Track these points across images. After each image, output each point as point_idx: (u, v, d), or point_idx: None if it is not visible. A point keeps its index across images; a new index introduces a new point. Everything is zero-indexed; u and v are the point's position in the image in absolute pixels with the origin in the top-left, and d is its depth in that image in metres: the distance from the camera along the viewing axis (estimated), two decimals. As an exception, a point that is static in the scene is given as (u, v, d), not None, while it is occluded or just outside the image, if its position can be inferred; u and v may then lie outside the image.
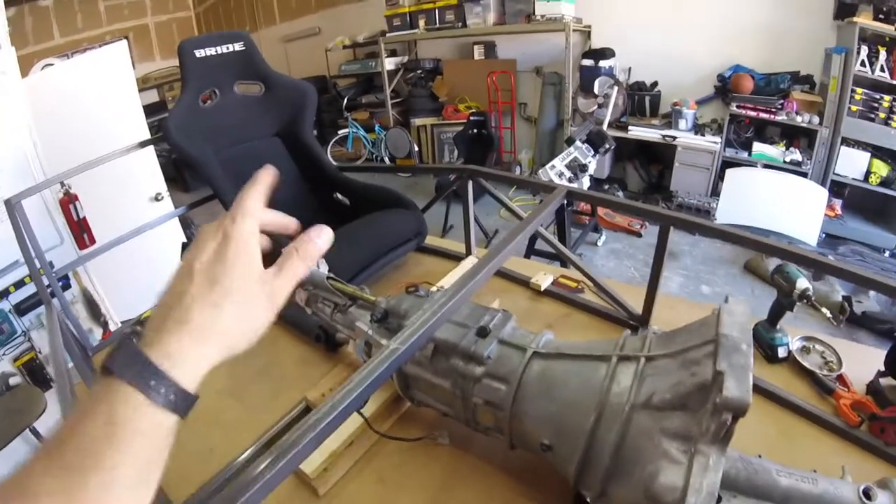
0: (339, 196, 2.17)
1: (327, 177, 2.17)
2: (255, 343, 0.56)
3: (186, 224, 4.32)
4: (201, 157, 1.82)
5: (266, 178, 0.60)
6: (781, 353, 1.43)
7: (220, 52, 1.93)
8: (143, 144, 2.02)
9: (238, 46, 1.98)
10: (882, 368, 1.33)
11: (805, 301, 1.37)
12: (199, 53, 1.88)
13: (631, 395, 0.75)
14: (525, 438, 0.92)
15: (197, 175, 1.92)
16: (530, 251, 3.44)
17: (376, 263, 1.74)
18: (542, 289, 1.66)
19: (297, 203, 2.15)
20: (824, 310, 1.35)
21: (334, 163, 2.21)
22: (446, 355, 0.97)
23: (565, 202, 3.29)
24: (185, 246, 2.06)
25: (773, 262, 4.19)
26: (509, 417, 0.90)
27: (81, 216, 3.03)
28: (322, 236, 0.62)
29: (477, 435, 1.04)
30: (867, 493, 0.73)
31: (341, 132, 7.16)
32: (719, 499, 0.72)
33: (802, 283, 1.35)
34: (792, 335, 1.47)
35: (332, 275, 1.32)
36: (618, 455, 0.75)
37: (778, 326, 1.45)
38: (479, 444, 1.13)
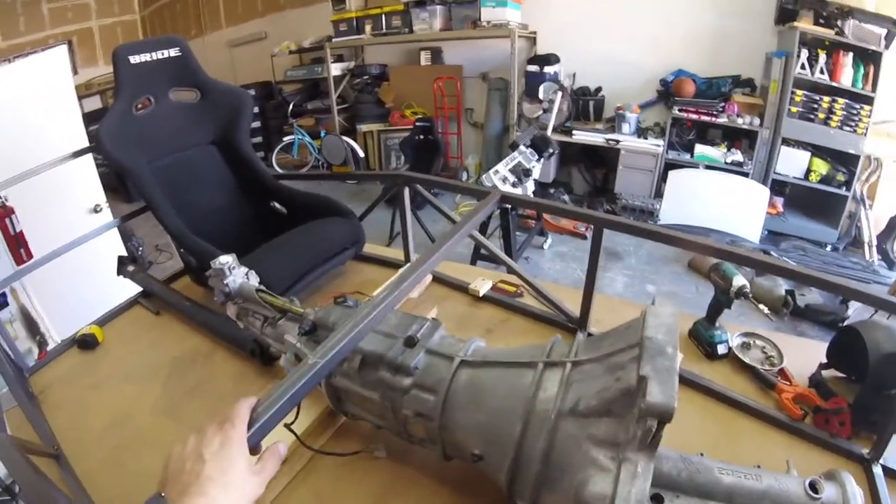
0: (277, 205, 2.10)
1: (264, 185, 2.11)
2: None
3: (127, 236, 4.16)
4: (133, 167, 1.74)
5: (253, 399, 0.72)
6: (721, 349, 1.44)
7: (155, 58, 1.86)
8: (77, 154, 1.95)
9: (174, 52, 1.91)
10: (824, 361, 1.36)
11: (743, 298, 1.37)
12: (134, 59, 1.80)
13: (557, 401, 0.73)
14: (457, 448, 0.89)
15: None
16: (476, 257, 3.42)
17: (312, 274, 1.70)
18: (481, 294, 1.65)
19: (232, 212, 2.09)
20: (762, 306, 1.36)
21: (278, 169, 2.15)
22: (374, 367, 0.93)
23: (509, 207, 3.31)
24: (121, 260, 1.97)
25: (714, 260, 4.27)
26: (440, 428, 0.87)
27: (18, 230, 2.87)
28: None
29: (414, 447, 1.01)
30: (813, 487, 0.73)
31: (287, 139, 7.04)
32: (661, 500, 0.70)
33: (739, 280, 1.36)
34: (734, 332, 1.48)
35: (262, 287, 1.28)
36: (547, 463, 0.72)
37: (717, 324, 1.46)
38: (416, 456, 1.10)
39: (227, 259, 1.30)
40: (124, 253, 2.49)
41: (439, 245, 1.04)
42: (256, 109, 7.60)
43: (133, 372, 1.52)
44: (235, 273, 1.31)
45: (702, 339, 1.47)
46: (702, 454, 0.78)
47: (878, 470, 1.08)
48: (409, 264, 0.99)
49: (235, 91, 2.14)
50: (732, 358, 1.43)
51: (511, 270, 1.52)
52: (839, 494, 0.73)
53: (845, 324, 3.39)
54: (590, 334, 1.41)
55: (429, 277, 1.72)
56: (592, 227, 1.27)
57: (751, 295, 1.38)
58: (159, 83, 1.92)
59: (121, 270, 1.95)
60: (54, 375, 1.54)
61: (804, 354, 1.41)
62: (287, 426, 0.97)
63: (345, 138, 6.52)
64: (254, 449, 0.69)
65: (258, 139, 7.75)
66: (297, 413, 0.95)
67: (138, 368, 1.53)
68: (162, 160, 1.91)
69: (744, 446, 1.16)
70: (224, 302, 1.33)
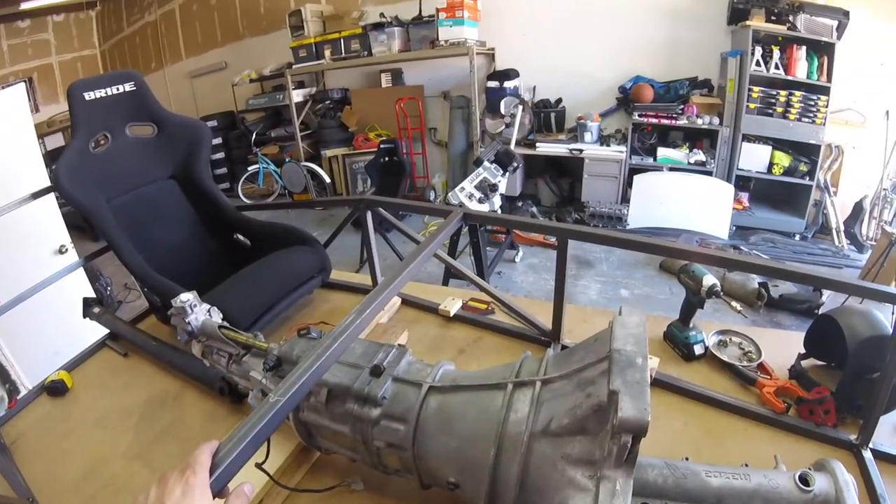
0: (240, 237, 2.06)
1: (226, 218, 2.07)
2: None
3: (94, 276, 4.05)
4: (92, 206, 1.69)
5: (215, 443, 0.69)
6: (698, 350, 1.43)
7: (110, 93, 1.81)
8: (36, 195, 1.88)
9: (129, 87, 1.87)
10: (802, 351, 1.36)
11: (715, 297, 1.37)
12: (89, 96, 1.76)
13: (529, 423, 0.71)
14: (433, 477, 0.86)
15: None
16: (448, 276, 3.40)
17: (278, 306, 1.65)
18: (452, 314, 1.62)
19: (196, 247, 2.05)
20: (734, 304, 1.36)
21: (245, 200, 2.11)
22: (341, 399, 0.90)
23: (478, 223, 3.30)
24: (86, 302, 1.91)
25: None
26: (413, 457, 0.84)
27: (-19, 275, 2.77)
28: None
29: (391, 477, 0.98)
30: (804, 480, 0.71)
31: (252, 168, 6.95)
32: None
33: (709, 279, 1.36)
34: (709, 330, 1.48)
35: (225, 323, 1.24)
36: (523, 487, 0.70)
37: (692, 324, 1.45)
38: (394, 487, 1.07)
39: (187, 297, 1.26)
40: (92, 294, 2.42)
41: (402, 268, 1.01)
42: (220, 140, 7.56)
43: (104, 417, 1.47)
44: (197, 310, 1.27)
45: (677, 341, 1.46)
46: (687, 458, 0.77)
47: (867, 454, 1.08)
48: (371, 291, 0.95)
49: (193, 124, 2.10)
50: (710, 357, 1.43)
51: (481, 287, 1.49)
52: (831, 484, 0.72)
53: (820, 311, 3.52)
54: (563, 347, 1.39)
55: (397, 301, 1.69)
56: (558, 239, 1.26)
57: (722, 293, 1.37)
58: (115, 119, 1.87)
59: (86, 313, 1.89)
60: (25, 424, 1.49)
61: (782, 346, 1.41)
62: (258, 466, 0.93)
63: (308, 164, 6.48)
64: (219, 493, 0.66)
65: (223, 170, 7.67)
66: (268, 451, 0.91)
67: (109, 413, 1.48)
68: (121, 198, 1.87)
69: (729, 446, 1.15)
70: (188, 341, 1.29)
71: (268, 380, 1.01)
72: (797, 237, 5.10)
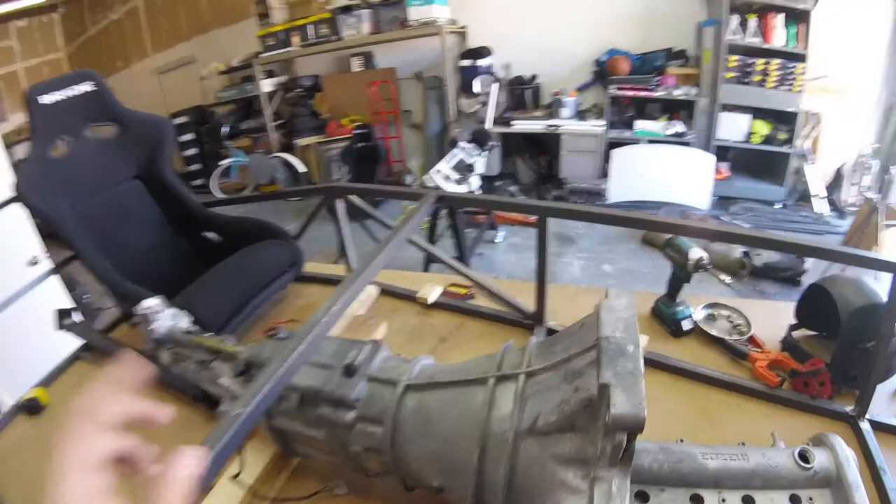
0: (210, 234, 1.99)
1: (193, 215, 1.99)
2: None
3: (71, 285, 3.94)
4: (55, 214, 1.61)
5: (124, 368, 0.49)
6: (686, 325, 1.39)
7: (68, 95, 1.73)
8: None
9: (87, 87, 1.78)
10: (793, 322, 1.32)
11: (702, 270, 1.32)
12: (46, 100, 1.67)
13: (514, 420, 0.65)
14: (417, 479, 0.80)
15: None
16: (429, 262, 3.33)
17: (249, 304, 1.58)
18: (430, 302, 1.56)
19: (165, 248, 1.97)
20: (722, 276, 1.32)
21: (219, 195, 2.03)
22: (314, 403, 0.84)
23: (454, 205, 3.24)
24: (60, 313, 1.83)
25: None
26: (393, 461, 0.78)
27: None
28: (185, 467, 0.47)
29: (376, 479, 0.92)
30: (803, 456, 0.68)
31: (224, 162, 6.80)
32: (647, 497, 0.64)
33: (695, 252, 1.31)
34: (697, 305, 1.44)
35: (192, 328, 1.17)
36: (511, 490, 0.65)
37: (678, 299, 1.41)
38: (379, 489, 1.01)
39: (151, 302, 1.19)
40: (72, 303, 2.34)
41: (373, 257, 0.95)
42: (191, 136, 7.40)
43: None
44: (162, 317, 1.20)
45: (665, 317, 1.42)
46: (682, 440, 0.72)
47: (865, 425, 1.06)
48: (340, 284, 0.89)
49: (154, 120, 2.01)
50: (699, 332, 1.39)
51: (459, 272, 1.43)
52: (831, 459, 0.68)
53: (803, 278, 3.53)
54: (548, 330, 1.34)
55: (375, 291, 1.63)
56: (538, 217, 1.20)
57: (709, 265, 1.33)
58: (75, 121, 1.79)
59: (60, 324, 1.82)
60: (5, 447, 1.41)
61: (771, 318, 1.38)
62: (233, 479, 0.87)
63: (281, 154, 6.36)
64: None
65: (196, 166, 7.50)
66: (242, 463, 0.86)
67: None
68: (87, 202, 1.78)
69: (724, 424, 1.12)
70: (155, 349, 1.22)
71: (237, 386, 0.94)
72: (778, 205, 5.11)
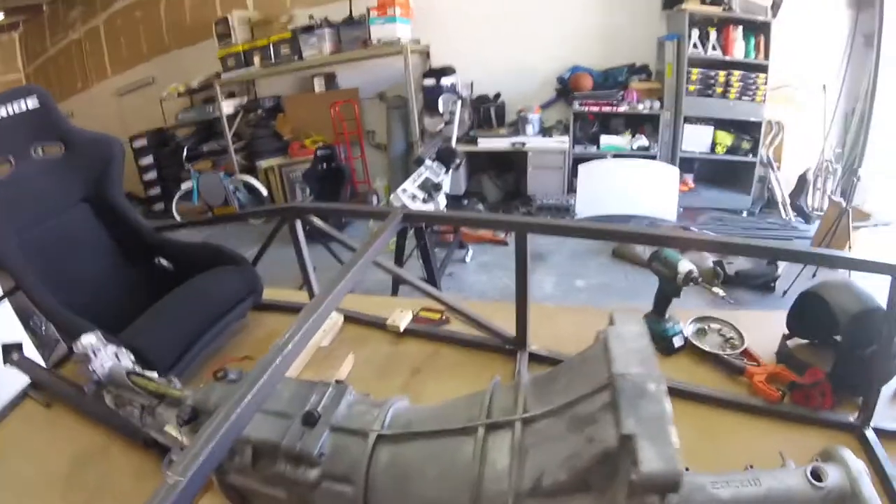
0: (163, 261, 1.85)
1: (144, 241, 1.86)
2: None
3: (26, 316, 3.71)
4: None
5: None
6: (677, 342, 1.32)
7: (11, 112, 1.60)
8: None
9: (31, 103, 1.66)
10: (784, 331, 1.29)
11: (692, 283, 1.24)
12: None
13: (512, 479, 0.54)
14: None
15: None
16: (397, 285, 3.21)
17: (203, 338, 1.44)
18: (402, 329, 1.43)
19: (113, 278, 1.83)
20: (716, 289, 1.25)
21: (178, 219, 1.89)
22: (271, 458, 0.71)
23: (423, 225, 3.14)
24: (5, 348, 1.68)
25: (640, 248, 4.27)
26: (368, 524, 0.66)
27: None
28: None
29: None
30: (816, 475, 0.62)
31: (185, 185, 6.57)
32: None
33: (685, 265, 1.23)
34: (684, 319, 1.37)
35: (134, 368, 1.04)
36: (511, 563, 0.53)
37: (667, 315, 1.33)
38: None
39: (90, 339, 1.06)
40: (24, 335, 2.18)
41: (336, 282, 0.84)
42: (151, 160, 7.21)
43: (29, 484, 1.27)
44: (102, 355, 1.06)
45: (654, 335, 1.31)
46: (687, 469, 0.62)
47: (870, 434, 1.02)
48: (299, 314, 0.77)
49: (103, 139, 1.88)
50: (690, 348, 1.31)
51: (432, 296, 1.32)
52: (843, 474, 0.62)
53: (776, 284, 3.51)
54: (531, 354, 1.23)
55: (339, 319, 1.50)
56: (514, 233, 1.10)
57: (700, 278, 1.25)
58: (18, 140, 1.66)
59: (6, 359, 1.66)
60: None
61: (762, 328, 1.33)
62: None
63: (243, 177, 6.20)
64: None
65: (156, 191, 7.31)
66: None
67: (34, 478, 1.28)
68: (31, 228, 1.65)
69: (727, 445, 1.05)
70: (96, 392, 1.09)
71: (184, 435, 0.82)
72: (745, 214, 5.17)
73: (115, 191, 1.88)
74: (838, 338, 1.19)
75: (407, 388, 1.18)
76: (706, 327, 1.37)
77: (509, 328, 1.27)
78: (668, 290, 1.29)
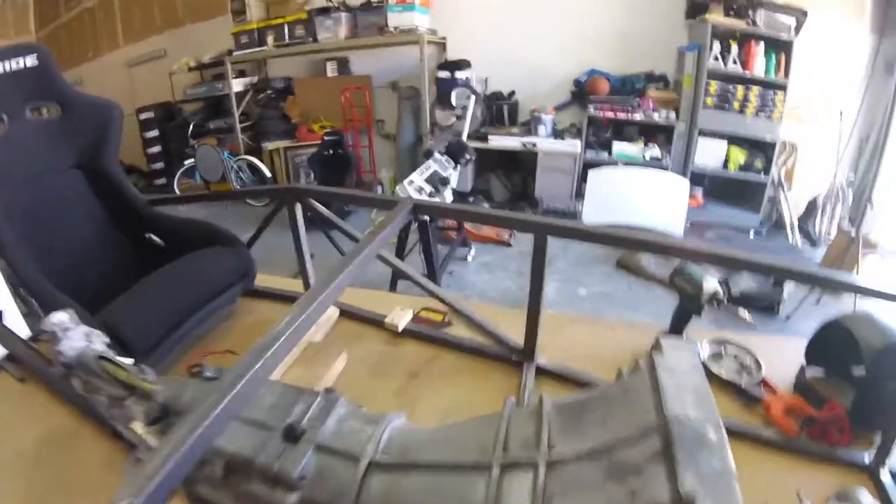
0: (153, 237, 1.76)
1: (137, 214, 1.78)
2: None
3: (16, 286, 3.61)
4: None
5: None
6: None
7: (7, 69, 1.53)
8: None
9: (30, 61, 1.58)
10: (802, 361, 1.22)
11: (716, 304, 1.16)
12: None
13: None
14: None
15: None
16: (396, 280, 3.12)
17: (188, 322, 1.34)
18: (401, 329, 1.34)
19: (101, 250, 1.74)
20: (742, 311, 1.17)
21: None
22: (245, 473, 0.62)
23: (428, 219, 3.05)
24: None
25: (644, 257, 4.19)
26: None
27: None
28: None
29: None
30: None
31: (188, 162, 6.45)
32: None
33: (710, 284, 1.15)
34: (698, 339, 1.28)
35: (107, 353, 0.95)
36: None
37: (684, 335, 1.24)
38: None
39: (60, 317, 0.98)
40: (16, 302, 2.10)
41: (335, 274, 0.75)
42: (156, 133, 7.11)
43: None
44: (72, 335, 0.98)
45: (667, 356, 1.25)
46: None
47: (885, 478, 0.94)
48: (294, 305, 0.68)
49: (101, 104, 1.80)
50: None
51: (435, 295, 1.23)
52: None
53: (780, 306, 3.43)
54: (538, 367, 1.14)
55: (335, 313, 1.40)
56: (533, 235, 1.01)
57: (726, 298, 1.17)
58: (13, 99, 1.58)
59: None
60: None
61: (779, 355, 1.26)
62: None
63: (248, 157, 6.11)
64: None
65: (160, 164, 7.22)
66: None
67: (4, 457, 1.22)
68: (18, 191, 1.56)
69: (744, 482, 0.94)
70: (65, 375, 1.00)
71: (152, 435, 0.73)
72: (752, 233, 5.08)
73: (111, 158, 1.80)
74: (859, 371, 1.11)
75: (402, 393, 1.09)
76: (722, 350, 1.29)
77: (515, 336, 1.18)
78: (690, 308, 1.20)
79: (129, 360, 0.98)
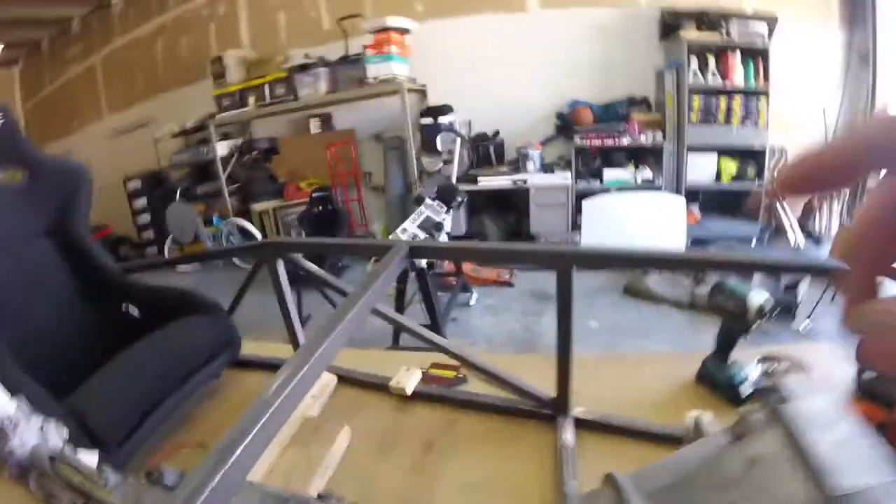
0: (131, 307, 1.61)
1: (110, 283, 1.62)
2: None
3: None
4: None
5: None
6: (746, 389, 1.07)
7: None
8: None
9: None
10: (859, 365, 1.03)
11: (766, 318, 1.02)
12: None
13: None
14: None
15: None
16: (398, 335, 2.97)
17: (166, 403, 1.17)
18: (409, 392, 1.15)
19: (73, 324, 1.55)
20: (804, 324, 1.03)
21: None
22: None
23: (425, 267, 2.92)
24: None
25: (651, 280, 4.07)
26: None
27: None
28: None
29: None
30: None
31: (176, 228, 6.38)
32: None
33: (757, 297, 1.01)
34: (745, 361, 1.13)
35: (63, 452, 0.80)
36: None
37: (730, 359, 1.09)
38: None
39: (6, 411, 0.83)
40: None
41: (326, 333, 0.61)
42: (145, 202, 7.06)
43: None
44: (23, 430, 0.82)
45: (718, 382, 1.09)
46: None
47: None
48: (276, 379, 0.54)
49: (70, 166, 1.66)
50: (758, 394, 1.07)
51: (444, 350, 1.06)
52: None
53: (796, 311, 3.30)
54: (576, 420, 0.97)
55: (331, 381, 1.23)
56: (556, 271, 0.86)
57: (775, 313, 1.03)
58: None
59: None
60: None
61: (827, 362, 1.14)
62: None
63: (237, 220, 6.01)
64: None
65: (149, 234, 7.14)
66: None
67: None
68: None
69: None
70: (19, 476, 0.84)
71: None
72: (754, 242, 5.07)
73: (80, 224, 1.64)
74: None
75: (418, 469, 0.92)
76: (772, 368, 1.14)
77: (541, 385, 1.02)
78: (736, 327, 1.06)
79: (92, 457, 0.83)
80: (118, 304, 1.62)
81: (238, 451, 0.45)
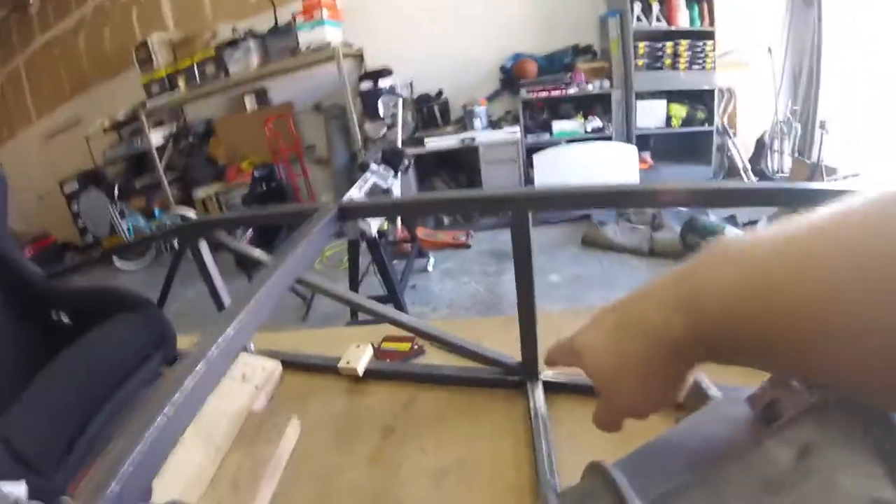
0: (61, 315, 1.47)
1: (34, 291, 1.48)
2: None
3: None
4: None
5: None
6: None
7: None
8: None
9: None
10: None
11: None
12: None
13: None
14: None
15: None
16: (356, 311, 2.84)
17: (100, 415, 1.04)
18: (361, 373, 1.03)
19: (1, 341, 1.43)
20: None
21: (118, 264, 1.51)
22: None
23: (377, 236, 2.81)
24: None
25: (608, 230, 4.05)
26: None
27: None
28: None
29: None
30: None
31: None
32: None
33: (731, 232, 0.93)
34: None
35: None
36: None
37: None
38: None
39: None
40: None
41: (235, 312, 0.50)
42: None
43: None
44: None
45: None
46: None
47: None
48: (163, 381, 0.43)
49: (-15, 173, 1.52)
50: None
51: (394, 321, 0.96)
52: None
53: None
54: (545, 384, 0.88)
55: (274, 368, 1.09)
56: (511, 213, 0.77)
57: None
58: None
59: None
60: None
61: None
62: None
63: (182, 209, 5.77)
64: None
65: (90, 237, 6.76)
66: None
67: None
68: None
69: None
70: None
71: None
72: (711, 186, 5.04)
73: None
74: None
75: (378, 457, 0.82)
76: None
77: (506, 350, 0.93)
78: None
79: (18, 488, 0.71)
80: (47, 313, 1.49)
81: (126, 464, 0.35)
